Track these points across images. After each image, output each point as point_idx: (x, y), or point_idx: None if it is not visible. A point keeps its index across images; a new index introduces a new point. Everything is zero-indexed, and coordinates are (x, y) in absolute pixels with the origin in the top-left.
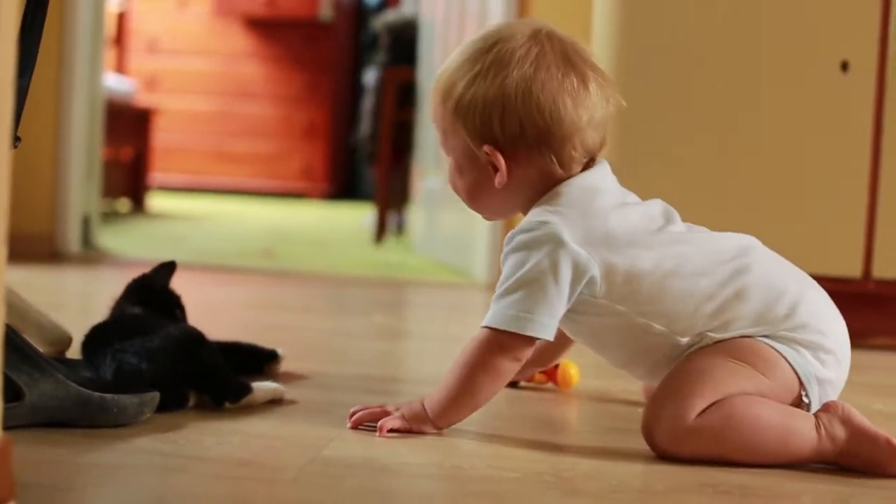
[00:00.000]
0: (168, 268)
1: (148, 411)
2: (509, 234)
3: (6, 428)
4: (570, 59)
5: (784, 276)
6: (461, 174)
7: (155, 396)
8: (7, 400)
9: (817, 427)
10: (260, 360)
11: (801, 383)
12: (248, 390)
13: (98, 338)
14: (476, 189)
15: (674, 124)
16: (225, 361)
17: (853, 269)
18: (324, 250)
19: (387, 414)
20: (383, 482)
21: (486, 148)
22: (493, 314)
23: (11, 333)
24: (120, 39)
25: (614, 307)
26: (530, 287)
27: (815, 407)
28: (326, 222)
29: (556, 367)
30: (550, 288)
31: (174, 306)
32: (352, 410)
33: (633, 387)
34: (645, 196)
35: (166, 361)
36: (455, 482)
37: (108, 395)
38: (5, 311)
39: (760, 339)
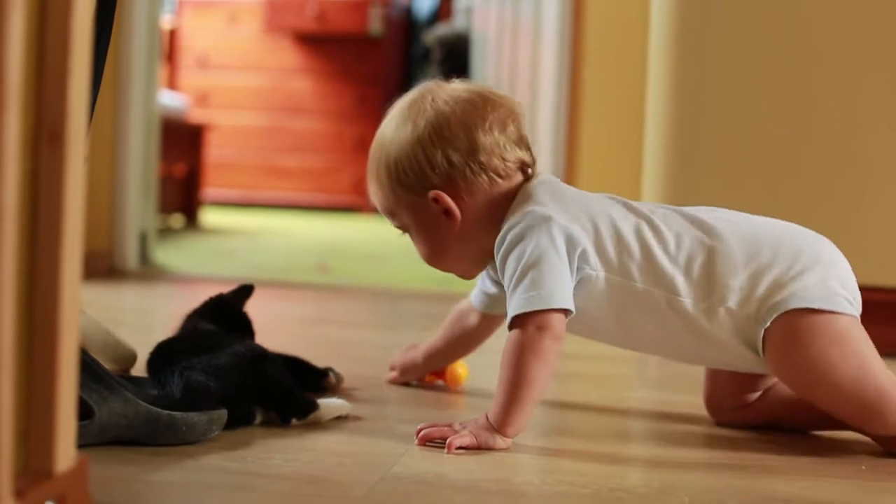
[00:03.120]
0: (246, 291)
1: (216, 429)
2: (499, 236)
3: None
4: (463, 94)
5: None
6: (423, 238)
7: (223, 414)
8: (77, 418)
9: None
10: (312, 378)
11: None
12: (315, 407)
13: (164, 355)
14: (440, 242)
15: (731, 127)
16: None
17: None
18: (378, 264)
19: (454, 431)
20: (455, 499)
21: (431, 194)
22: (514, 306)
23: (80, 352)
24: (171, 56)
25: (612, 279)
26: (538, 267)
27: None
28: (379, 236)
29: (444, 367)
30: (555, 261)
31: (245, 328)
32: (419, 427)
33: (694, 399)
34: (698, 201)
35: (233, 378)
36: (527, 499)
37: (177, 413)
38: None
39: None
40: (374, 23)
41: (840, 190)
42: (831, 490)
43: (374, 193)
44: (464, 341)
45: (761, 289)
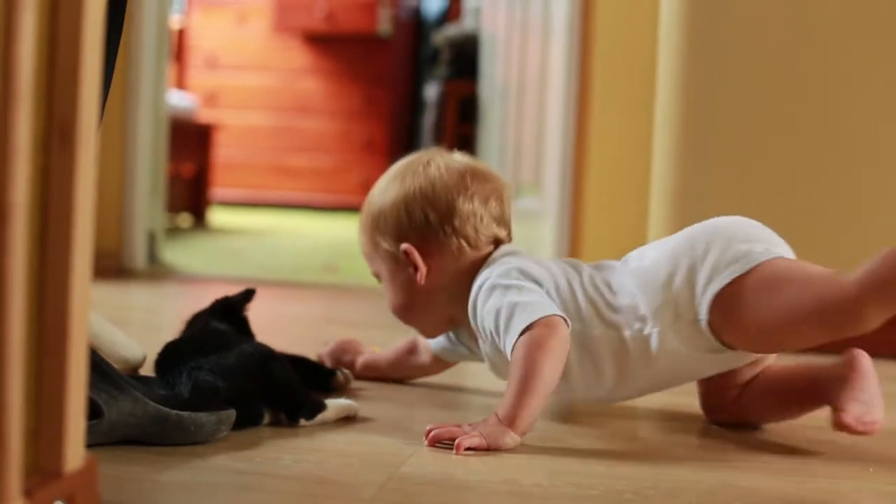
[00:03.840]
0: (249, 295)
1: (224, 429)
2: (471, 300)
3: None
4: (456, 164)
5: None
6: (391, 288)
7: (231, 414)
8: (86, 418)
9: None
10: (320, 378)
11: None
12: (323, 407)
13: (172, 355)
14: (405, 295)
15: (740, 124)
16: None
17: None
18: None
19: (463, 432)
20: (463, 500)
21: (403, 246)
22: (514, 332)
23: (89, 351)
24: (180, 56)
25: (573, 325)
26: (521, 294)
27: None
28: None
29: None
30: (533, 288)
31: (244, 332)
32: (428, 428)
33: (697, 401)
34: (705, 198)
35: (242, 378)
36: (535, 500)
37: (185, 413)
38: None
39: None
40: (383, 23)
41: (848, 185)
42: (838, 492)
43: (360, 238)
44: (408, 372)
45: (682, 294)
